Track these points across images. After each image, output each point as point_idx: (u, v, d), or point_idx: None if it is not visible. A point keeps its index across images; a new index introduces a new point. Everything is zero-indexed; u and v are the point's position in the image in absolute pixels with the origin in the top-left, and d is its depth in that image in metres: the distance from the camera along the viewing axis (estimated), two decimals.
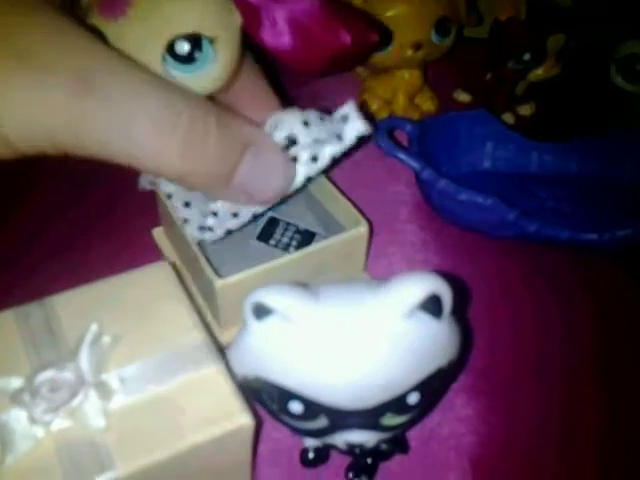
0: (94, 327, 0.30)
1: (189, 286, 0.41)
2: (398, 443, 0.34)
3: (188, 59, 0.31)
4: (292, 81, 0.63)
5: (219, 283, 0.35)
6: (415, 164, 0.45)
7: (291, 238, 0.43)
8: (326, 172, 0.40)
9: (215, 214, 0.33)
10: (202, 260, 0.36)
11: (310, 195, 0.45)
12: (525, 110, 0.58)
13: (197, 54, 0.31)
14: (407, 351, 0.28)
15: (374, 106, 0.58)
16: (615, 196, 0.50)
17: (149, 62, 0.30)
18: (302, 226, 0.44)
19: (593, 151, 0.52)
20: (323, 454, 0.34)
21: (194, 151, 0.26)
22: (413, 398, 0.29)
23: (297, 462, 0.34)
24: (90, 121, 0.23)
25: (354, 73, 0.62)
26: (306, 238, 0.43)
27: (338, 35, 0.32)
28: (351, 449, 0.31)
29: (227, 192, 0.29)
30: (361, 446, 0.30)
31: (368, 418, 0.29)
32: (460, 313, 0.29)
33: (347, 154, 0.33)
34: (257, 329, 0.28)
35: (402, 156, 0.45)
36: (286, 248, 0.43)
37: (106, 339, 0.30)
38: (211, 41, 0.31)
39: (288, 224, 0.44)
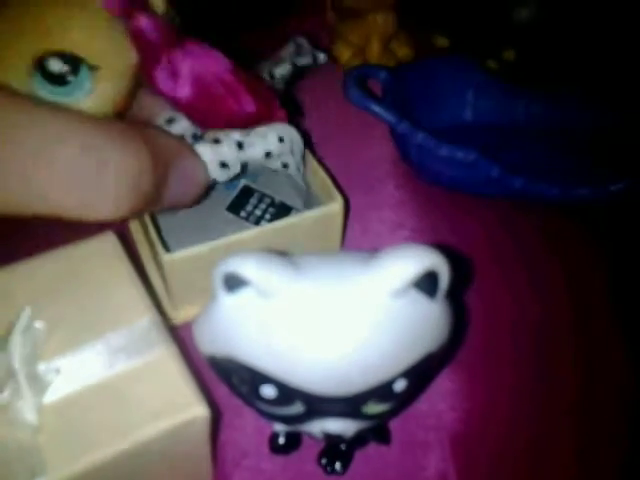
0: (27, 312, 0.26)
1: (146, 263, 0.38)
2: (379, 433, 0.31)
3: (58, 80, 0.28)
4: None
5: (167, 257, 0.32)
6: (390, 117, 0.41)
7: (264, 211, 0.39)
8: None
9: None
10: (152, 231, 0.33)
11: None
12: (509, 54, 0.54)
13: (70, 78, 0.28)
14: (395, 334, 0.24)
15: (346, 55, 0.54)
16: (606, 148, 0.46)
17: (13, 74, 0.27)
18: (278, 198, 0.40)
19: (583, 99, 0.48)
20: (295, 439, 0.31)
21: (126, 195, 0.27)
22: (400, 385, 0.25)
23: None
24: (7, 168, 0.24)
25: (326, 18, 0.57)
26: (281, 212, 0.39)
27: (242, 103, 0.32)
28: (328, 438, 0.27)
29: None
30: (339, 437, 0.27)
31: (348, 405, 0.25)
32: (453, 291, 0.26)
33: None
34: (228, 303, 0.25)
35: (375, 108, 0.41)
36: (258, 222, 0.39)
37: (41, 325, 0.26)
38: (90, 68, 0.28)
39: (263, 195, 0.40)
